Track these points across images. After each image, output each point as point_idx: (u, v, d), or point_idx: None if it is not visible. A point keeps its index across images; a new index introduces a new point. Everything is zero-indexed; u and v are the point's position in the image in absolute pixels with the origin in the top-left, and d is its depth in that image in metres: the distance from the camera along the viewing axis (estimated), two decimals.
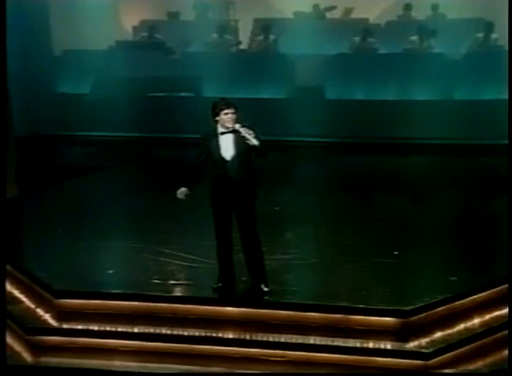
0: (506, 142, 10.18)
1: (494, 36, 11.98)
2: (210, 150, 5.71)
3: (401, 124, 11.66)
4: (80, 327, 5.89)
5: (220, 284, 5.93)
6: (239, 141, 5.62)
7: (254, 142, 5.55)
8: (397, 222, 7.85)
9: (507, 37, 10.87)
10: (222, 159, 5.68)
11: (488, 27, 11.97)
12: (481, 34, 12.08)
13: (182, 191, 5.79)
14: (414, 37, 12.39)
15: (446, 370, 5.41)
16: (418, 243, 7.21)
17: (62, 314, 5.98)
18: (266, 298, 5.83)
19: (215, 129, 5.72)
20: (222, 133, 5.68)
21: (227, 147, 5.67)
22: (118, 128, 12.31)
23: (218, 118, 5.67)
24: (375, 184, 9.83)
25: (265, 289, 5.87)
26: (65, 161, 11.53)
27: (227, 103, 5.65)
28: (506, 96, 10.70)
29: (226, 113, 5.62)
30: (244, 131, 5.55)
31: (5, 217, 6.71)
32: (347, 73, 12.28)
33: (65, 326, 5.93)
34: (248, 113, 12.56)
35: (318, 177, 10.53)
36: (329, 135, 11.82)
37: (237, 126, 5.60)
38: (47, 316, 6.04)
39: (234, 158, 5.67)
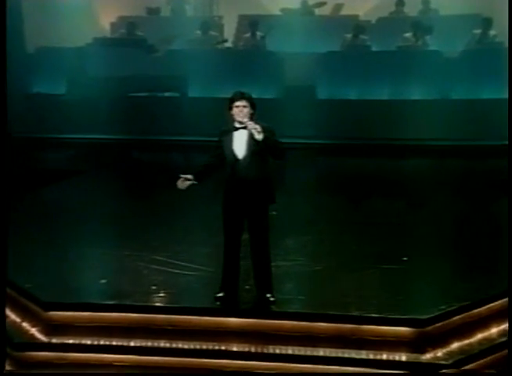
0: (506, 142, 10.20)
1: (492, 32, 12.01)
2: (223, 146, 5.56)
3: (395, 124, 11.66)
4: (71, 341, 5.68)
5: (222, 293, 5.78)
6: (255, 138, 5.45)
7: (258, 136, 5.40)
8: (399, 227, 7.85)
9: (507, 34, 10.91)
10: (234, 157, 5.53)
11: (486, 23, 12.00)
12: (478, 31, 12.11)
13: (186, 177, 5.55)
14: (408, 34, 12.38)
15: None
16: (424, 248, 7.16)
17: (51, 328, 5.77)
18: (272, 307, 5.69)
19: (232, 124, 5.56)
20: (236, 129, 5.53)
21: (239, 144, 5.51)
22: (97, 131, 12.18)
23: (231, 112, 5.52)
24: (370, 187, 9.80)
25: (271, 298, 5.73)
26: (41, 166, 11.30)
27: (239, 95, 5.49)
28: (505, 95, 10.72)
29: (237, 106, 5.47)
30: (250, 126, 5.41)
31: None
32: (339, 71, 12.25)
33: (54, 340, 5.71)
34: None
35: (311, 180, 10.48)
36: (320, 137, 11.76)
37: (245, 120, 5.45)
38: (34, 330, 5.81)
39: (246, 157, 5.51)
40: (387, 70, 12.01)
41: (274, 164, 5.79)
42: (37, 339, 5.75)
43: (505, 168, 10.14)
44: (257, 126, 5.39)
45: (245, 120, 5.45)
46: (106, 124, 11.99)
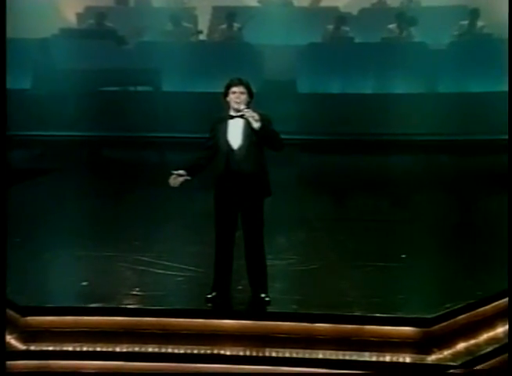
0: (496, 137, 10.28)
1: (480, 23, 12.05)
2: (217, 135, 5.44)
3: (380, 119, 11.66)
4: (51, 348, 5.49)
5: (214, 294, 5.66)
6: (252, 128, 5.34)
7: (255, 125, 5.30)
8: (390, 224, 7.89)
9: (494, 25, 10.98)
10: (228, 147, 5.41)
11: (474, 13, 12.06)
12: (465, 22, 12.15)
13: (178, 173, 5.41)
14: (392, 26, 12.42)
15: None
16: (421, 246, 7.15)
17: (29, 334, 5.58)
18: (268, 308, 5.58)
19: (227, 112, 5.44)
20: (232, 117, 5.42)
21: (235, 134, 5.40)
22: (65, 128, 12.02)
23: (227, 98, 5.41)
24: (355, 184, 9.84)
25: (266, 298, 5.63)
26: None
27: (236, 80, 5.38)
28: (494, 89, 10.81)
29: (234, 92, 5.35)
30: (248, 113, 5.30)
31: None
32: (321, 64, 12.25)
33: (33, 348, 5.53)
34: (212, 108, 12.46)
35: (294, 177, 10.46)
36: (302, 132, 11.70)
37: (242, 107, 5.34)
38: (11, 338, 5.61)
39: (241, 147, 5.40)
40: (370, 62, 12.04)
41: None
42: (15, 347, 5.55)
43: (495, 163, 10.25)
44: (255, 114, 5.29)
45: (242, 107, 5.34)
46: (75, 121, 11.89)
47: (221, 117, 5.49)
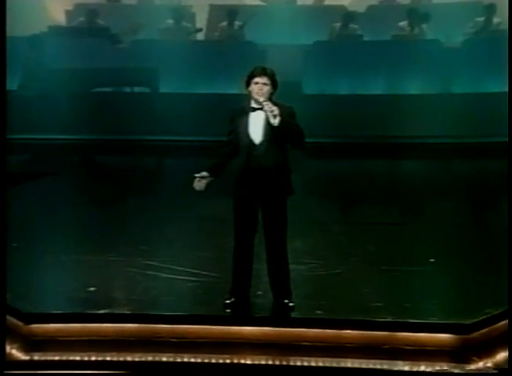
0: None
1: (496, 20, 12.03)
2: (237, 128, 5.35)
3: (391, 121, 11.61)
4: (57, 358, 5.34)
5: (233, 299, 5.55)
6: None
7: (273, 121, 5.19)
8: (410, 228, 7.96)
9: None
10: (250, 142, 5.31)
11: (490, 9, 12.04)
12: (481, 18, 12.13)
13: (201, 175, 5.34)
14: (403, 23, 12.38)
15: None
16: (445, 250, 7.06)
17: (33, 343, 5.44)
18: (292, 314, 5.46)
19: (248, 103, 5.34)
20: (254, 109, 5.31)
21: (256, 128, 5.30)
22: (55, 131, 11.90)
23: (249, 88, 5.31)
24: (366, 188, 9.82)
25: (290, 304, 5.51)
26: None
27: (260, 70, 5.28)
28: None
29: (257, 83, 5.25)
30: (267, 107, 5.19)
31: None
32: (328, 64, 12.18)
33: (37, 357, 5.37)
34: (213, 110, 12.38)
35: (303, 181, 10.33)
36: (308, 135, 11.57)
37: (262, 99, 5.23)
38: (13, 347, 5.45)
39: (264, 142, 5.30)
40: (381, 61, 11.97)
41: None
42: (17, 358, 5.38)
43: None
44: (275, 108, 5.17)
45: (261, 99, 5.23)
46: (66, 124, 11.76)
47: (242, 108, 5.39)
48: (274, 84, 5.32)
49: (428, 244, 7.19)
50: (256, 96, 5.26)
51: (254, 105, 5.32)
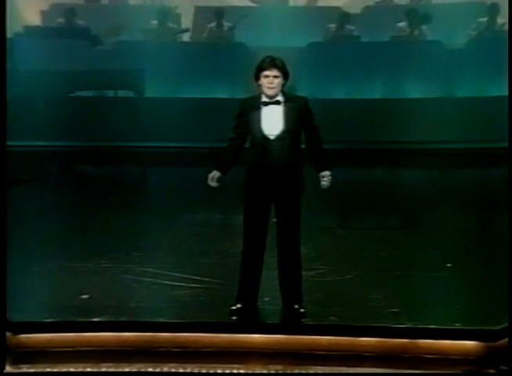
0: None
1: (500, 20, 12.07)
2: (249, 123, 5.26)
3: (390, 127, 11.62)
4: (48, 369, 5.19)
5: (240, 305, 5.43)
6: (289, 116, 5.18)
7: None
8: (419, 233, 8.09)
9: None
10: (263, 137, 5.23)
11: (493, 9, 12.09)
12: (484, 19, 12.16)
13: (213, 175, 5.33)
14: (402, 24, 12.39)
15: None
16: (459, 255, 7.00)
17: (22, 355, 5.26)
18: (303, 321, 5.34)
19: (259, 97, 5.25)
20: (266, 104, 5.23)
21: (270, 123, 5.22)
22: (32, 137, 11.77)
23: (259, 82, 5.23)
24: (366, 195, 9.87)
25: (301, 310, 5.40)
26: None
27: (269, 62, 5.18)
28: None
29: (267, 76, 5.17)
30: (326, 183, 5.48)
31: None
32: (323, 66, 12.14)
33: (26, 369, 5.21)
34: (201, 115, 12.31)
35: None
36: (303, 142, 11.55)
37: (279, 97, 5.18)
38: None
39: (279, 138, 5.22)
40: (378, 64, 11.97)
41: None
42: (5, 370, 5.23)
43: None
44: (330, 178, 5.46)
45: (274, 93, 5.15)
46: (44, 130, 11.66)
47: (252, 100, 5.30)
48: (285, 74, 5.25)
49: (440, 249, 7.14)
50: (269, 91, 5.18)
51: (265, 99, 5.23)
